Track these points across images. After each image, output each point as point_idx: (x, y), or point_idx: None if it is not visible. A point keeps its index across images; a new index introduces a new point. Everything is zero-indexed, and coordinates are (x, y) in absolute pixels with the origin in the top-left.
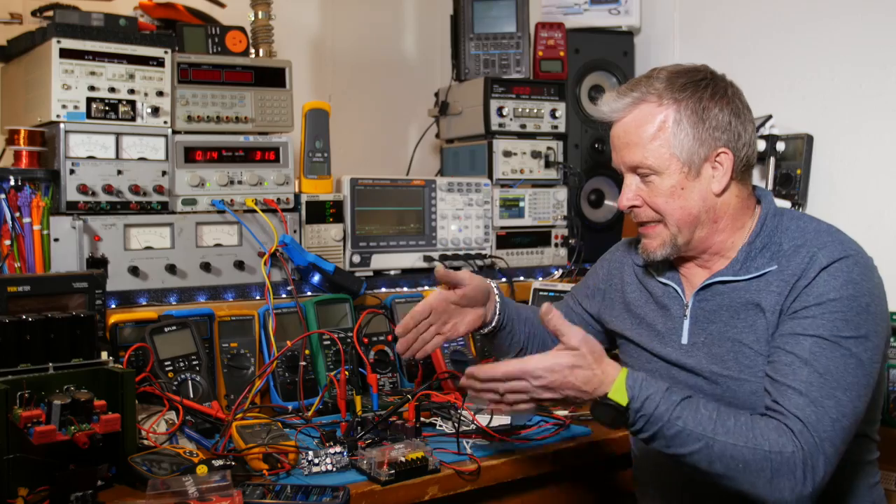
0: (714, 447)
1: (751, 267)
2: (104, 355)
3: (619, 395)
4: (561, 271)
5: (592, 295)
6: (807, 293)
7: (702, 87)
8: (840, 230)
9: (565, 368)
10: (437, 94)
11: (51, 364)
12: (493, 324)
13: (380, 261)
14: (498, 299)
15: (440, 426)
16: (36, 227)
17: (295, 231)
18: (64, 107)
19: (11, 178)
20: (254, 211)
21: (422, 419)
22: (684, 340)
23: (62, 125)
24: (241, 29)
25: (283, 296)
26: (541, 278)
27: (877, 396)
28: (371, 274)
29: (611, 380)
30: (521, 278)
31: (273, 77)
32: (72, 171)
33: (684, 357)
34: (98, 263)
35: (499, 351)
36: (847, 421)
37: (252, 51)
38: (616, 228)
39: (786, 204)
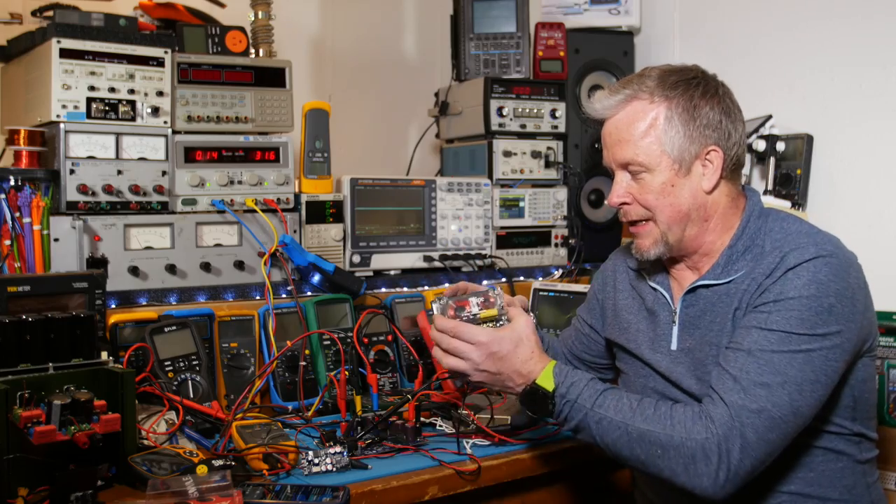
0: (632, 433)
1: (731, 270)
2: (104, 355)
3: (546, 381)
4: (561, 271)
5: (592, 307)
6: (769, 290)
7: (693, 86)
8: (824, 232)
9: (512, 342)
10: (437, 94)
11: (51, 364)
12: None
13: (380, 261)
14: None
15: (440, 426)
16: (36, 227)
17: (295, 231)
18: (64, 107)
19: (11, 178)
20: (254, 211)
21: (422, 419)
22: (674, 346)
23: (62, 125)
24: (241, 29)
25: (283, 296)
26: (541, 278)
27: (867, 395)
28: (371, 274)
29: (541, 367)
30: (521, 278)
31: (273, 77)
32: (72, 171)
33: (673, 364)
34: (98, 263)
35: None
36: (779, 413)
37: (252, 51)
38: (616, 228)
39: (785, 204)
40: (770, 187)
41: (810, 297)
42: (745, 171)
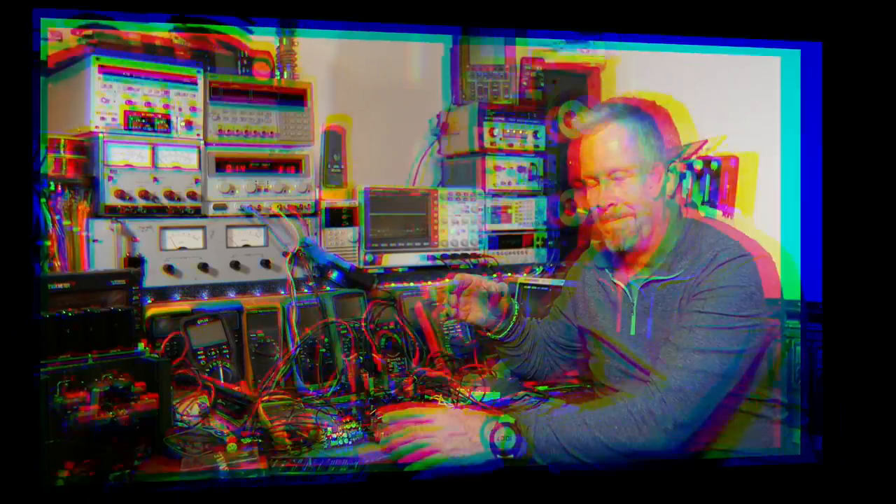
0: (589, 422)
1: (676, 267)
2: (141, 345)
3: (507, 419)
4: (542, 268)
5: (566, 300)
6: (704, 282)
7: (653, 111)
8: (748, 237)
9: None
10: (438, 116)
11: (91, 354)
12: (500, 335)
13: (389, 259)
14: (512, 322)
15: (441, 403)
16: (76, 230)
17: (315, 234)
18: (103, 119)
19: (53, 184)
20: (278, 216)
21: (425, 396)
22: (632, 332)
23: (101, 136)
24: (266, 60)
25: (305, 291)
26: (525, 274)
27: (773, 368)
28: (382, 271)
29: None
30: (509, 274)
31: (295, 98)
32: (110, 179)
33: (633, 346)
34: (135, 263)
35: (505, 357)
36: (712, 375)
37: (277, 74)
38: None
39: (718, 212)
40: (706, 199)
41: (737, 287)
42: (687, 184)
